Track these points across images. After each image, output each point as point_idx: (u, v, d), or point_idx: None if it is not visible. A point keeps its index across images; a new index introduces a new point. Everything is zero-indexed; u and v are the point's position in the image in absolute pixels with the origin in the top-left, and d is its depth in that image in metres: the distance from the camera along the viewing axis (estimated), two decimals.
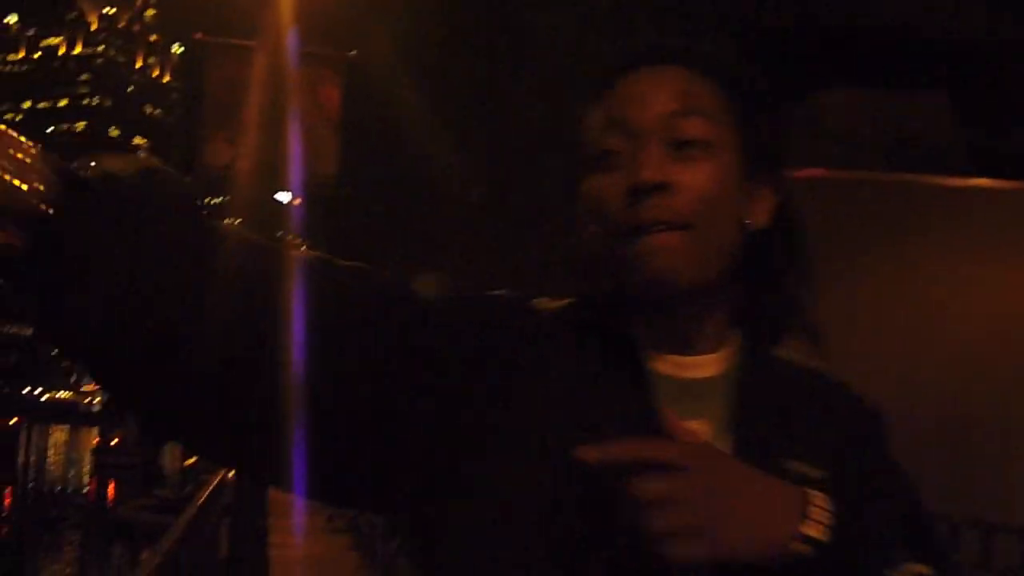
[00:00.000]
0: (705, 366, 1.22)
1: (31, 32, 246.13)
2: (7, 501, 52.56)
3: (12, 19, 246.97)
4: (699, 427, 1.17)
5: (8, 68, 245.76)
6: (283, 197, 9.94)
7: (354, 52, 10.79)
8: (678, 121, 1.18)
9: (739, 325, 1.27)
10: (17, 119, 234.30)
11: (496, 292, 1.29)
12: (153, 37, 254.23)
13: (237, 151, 10.01)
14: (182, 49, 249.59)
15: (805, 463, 1.19)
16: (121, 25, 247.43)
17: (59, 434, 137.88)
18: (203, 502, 7.85)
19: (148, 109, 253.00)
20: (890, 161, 11.70)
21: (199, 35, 10.36)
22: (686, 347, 1.22)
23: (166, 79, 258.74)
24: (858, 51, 11.99)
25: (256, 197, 9.42)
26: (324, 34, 10.98)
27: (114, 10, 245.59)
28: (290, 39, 9.37)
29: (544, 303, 1.28)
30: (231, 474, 12.99)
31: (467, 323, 1.19)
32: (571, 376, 1.19)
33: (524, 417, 1.15)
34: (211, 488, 9.43)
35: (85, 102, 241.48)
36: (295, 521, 22.05)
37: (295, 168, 10.23)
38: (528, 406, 1.16)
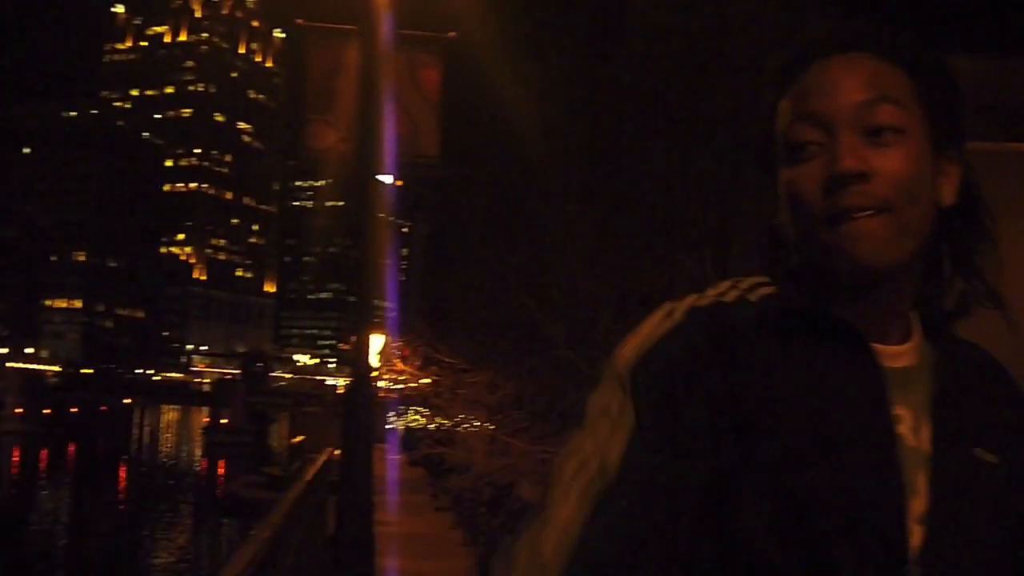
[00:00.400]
0: (904, 355, 1.25)
1: (138, 21, 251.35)
2: (122, 477, 54.11)
3: (119, 9, 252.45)
4: (903, 415, 1.21)
5: (116, 57, 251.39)
6: (384, 179, 10.00)
7: (454, 33, 10.80)
8: (870, 109, 1.20)
9: (916, 306, 1.29)
10: (126, 106, 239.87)
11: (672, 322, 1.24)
12: (255, 23, 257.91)
13: (338, 134, 10.10)
14: (284, 35, 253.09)
15: (985, 449, 1.23)
16: (224, 12, 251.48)
17: (170, 414, 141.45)
18: (310, 479, 7.98)
19: (252, 94, 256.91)
20: (1009, 131, 11.40)
21: (300, 20, 10.47)
22: (887, 335, 1.24)
23: (268, 64, 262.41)
24: (978, 15, 11.70)
25: (357, 179, 9.49)
26: (424, 16, 11.00)
27: None
28: (389, 22, 9.42)
29: (744, 289, 1.28)
30: (337, 452, 13.19)
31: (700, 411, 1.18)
32: (809, 374, 1.21)
33: (780, 426, 1.17)
34: (317, 466, 9.57)
35: (191, 88, 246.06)
36: (401, 499, 22.36)
37: (396, 150, 10.30)
38: (775, 415, 1.18)
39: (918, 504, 1.19)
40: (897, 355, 1.24)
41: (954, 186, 1.26)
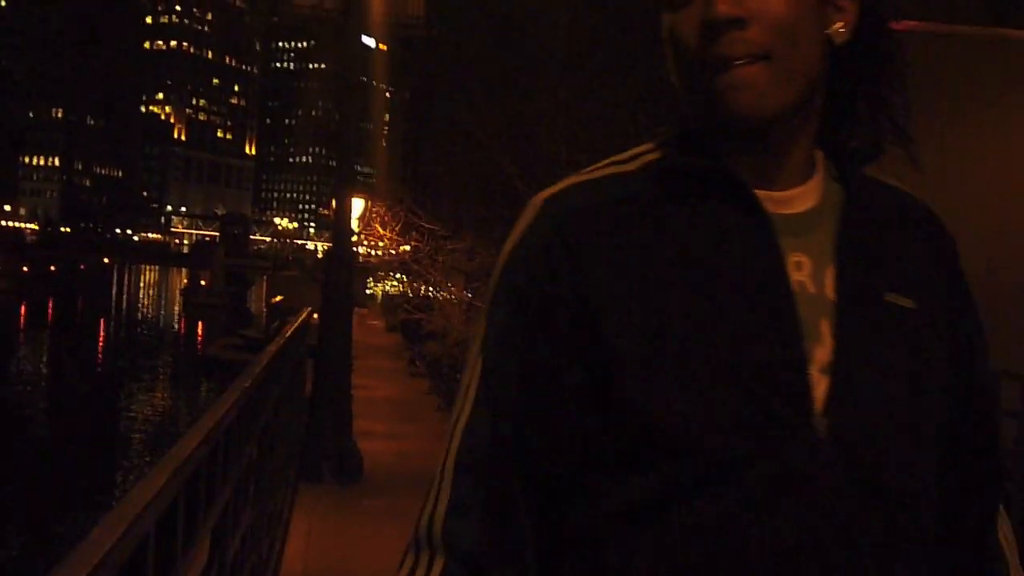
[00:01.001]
0: (800, 199, 1.19)
1: None
2: (101, 334, 54.37)
3: None
4: (802, 261, 1.16)
5: None
6: (369, 41, 9.86)
7: None
8: None
9: (824, 145, 1.23)
10: None
11: (549, 203, 1.20)
12: None
13: None
14: None
15: (899, 294, 1.19)
16: None
17: (150, 274, 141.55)
18: (287, 340, 8.02)
19: None
20: (995, 15, 11.28)
21: None
22: (779, 180, 1.19)
23: None
24: None
25: (341, 41, 9.35)
26: None
27: None
28: None
29: (620, 163, 1.23)
30: (315, 316, 13.26)
31: (559, 294, 1.15)
32: (692, 233, 1.16)
33: (670, 291, 1.13)
34: (295, 327, 9.62)
35: None
36: (377, 363, 22.57)
37: (382, 11, 10.12)
38: (665, 283, 1.14)
39: (822, 353, 1.13)
40: (791, 199, 1.18)
41: (849, 22, 1.18)
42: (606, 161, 1.24)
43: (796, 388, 1.11)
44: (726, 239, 1.15)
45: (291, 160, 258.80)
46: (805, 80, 1.14)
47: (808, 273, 1.16)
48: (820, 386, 1.12)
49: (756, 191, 1.16)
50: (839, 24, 1.18)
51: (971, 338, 1.25)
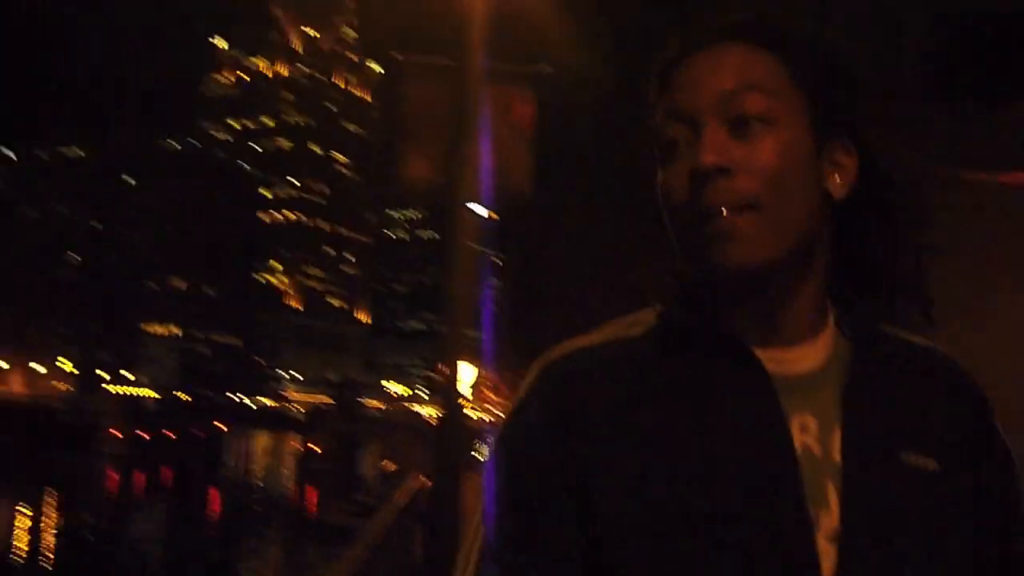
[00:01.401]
0: (807, 357, 1.15)
1: (236, 53, 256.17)
2: (215, 503, 54.81)
3: (221, 43, 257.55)
4: (808, 423, 1.12)
5: (216, 89, 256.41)
6: (479, 210, 10.12)
7: (549, 68, 10.92)
8: (736, 98, 1.12)
9: (836, 303, 1.20)
10: (224, 137, 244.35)
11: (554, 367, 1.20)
12: (353, 57, 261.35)
13: (432, 165, 10.28)
14: (380, 68, 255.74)
15: (920, 454, 1.12)
16: (324, 48, 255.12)
17: (264, 440, 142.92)
18: (398, 507, 8.06)
19: (348, 126, 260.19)
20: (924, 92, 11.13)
21: (396, 54, 10.68)
22: (783, 337, 1.15)
23: (365, 96, 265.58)
24: None
25: (448, 210, 9.63)
26: (519, 50, 11.15)
27: (317, 34, 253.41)
28: (483, 56, 9.57)
29: (626, 326, 1.23)
30: (426, 480, 13.27)
31: (556, 454, 1.14)
32: (691, 396, 1.13)
33: (665, 456, 1.10)
34: (407, 494, 9.66)
35: (288, 120, 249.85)
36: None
37: (488, 183, 10.42)
38: (664, 446, 1.11)
39: (829, 520, 1.08)
40: (796, 358, 1.15)
41: (848, 177, 1.14)
42: (613, 323, 1.23)
43: (802, 559, 1.05)
44: (726, 402, 1.12)
45: (401, 325, 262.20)
46: (797, 232, 1.12)
47: (814, 435, 1.12)
48: (828, 556, 1.06)
49: (757, 349, 1.13)
50: (836, 179, 1.15)
51: (1006, 502, 1.17)
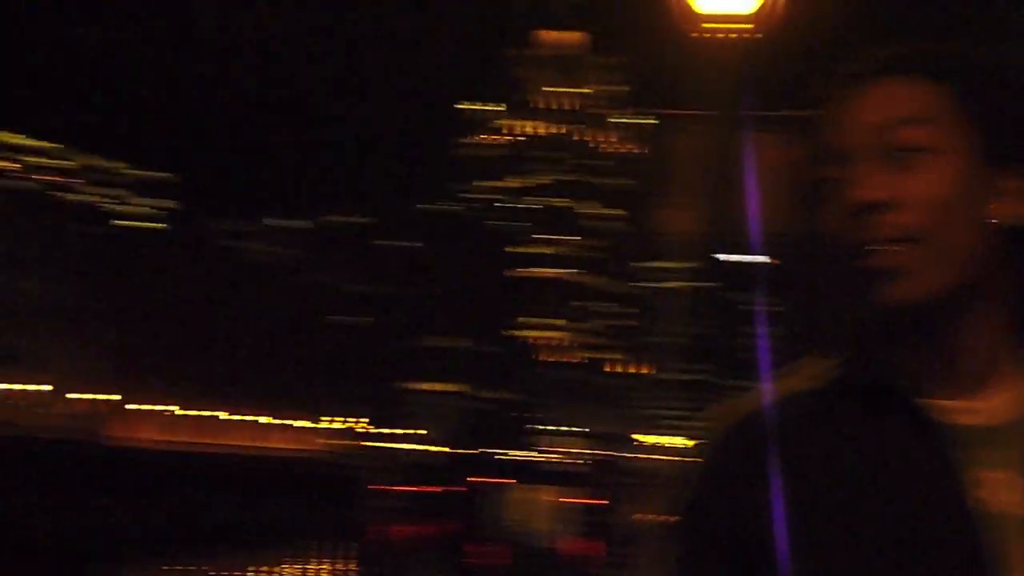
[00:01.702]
0: (998, 409, 1.10)
1: (506, 119, 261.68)
2: (502, 556, 55.56)
3: (476, 105, 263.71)
4: (999, 478, 1.07)
5: (473, 151, 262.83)
6: (746, 259, 10.12)
7: (812, 112, 10.83)
8: (893, 131, 1.09)
9: None
10: (488, 198, 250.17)
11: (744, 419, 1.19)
12: (609, 112, 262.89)
13: (698, 216, 10.34)
14: (653, 122, 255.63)
15: None
16: (590, 112, 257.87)
17: (542, 493, 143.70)
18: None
19: (612, 180, 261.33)
20: None
21: (665, 109, 10.83)
22: (957, 384, 1.10)
23: (634, 150, 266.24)
24: None
25: (709, 260, 9.65)
26: (782, 95, 11.09)
27: (587, 90, 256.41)
28: (747, 106, 9.59)
29: (804, 376, 1.19)
30: None
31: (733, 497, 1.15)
32: (864, 459, 1.09)
33: (836, 522, 1.08)
34: None
35: (553, 178, 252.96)
36: None
37: (756, 231, 10.37)
38: (833, 507, 1.08)
39: None
40: (975, 408, 1.09)
41: (1016, 205, 1.10)
42: (805, 374, 1.19)
43: None
44: (896, 456, 1.08)
45: (667, 377, 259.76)
46: (962, 265, 1.07)
47: (1001, 489, 1.06)
48: None
49: (930, 400, 1.09)
50: (1009, 208, 1.11)
51: None
